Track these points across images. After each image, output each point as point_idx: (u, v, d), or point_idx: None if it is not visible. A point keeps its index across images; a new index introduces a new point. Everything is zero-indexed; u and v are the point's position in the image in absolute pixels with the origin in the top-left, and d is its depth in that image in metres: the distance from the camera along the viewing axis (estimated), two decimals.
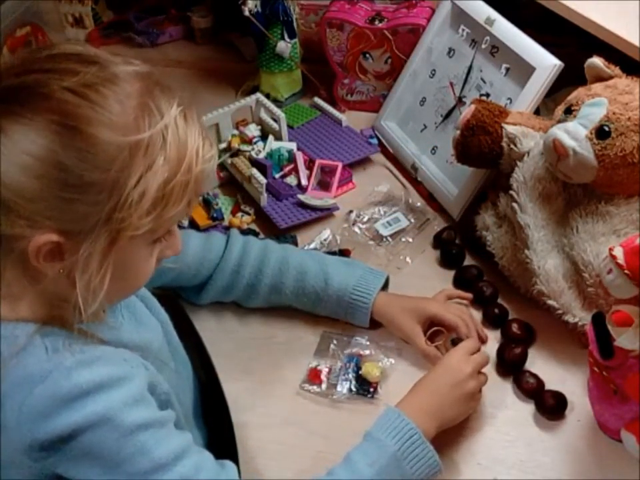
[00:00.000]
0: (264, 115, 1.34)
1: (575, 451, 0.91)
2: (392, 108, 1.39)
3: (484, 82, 1.22)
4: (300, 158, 1.30)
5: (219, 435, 0.96)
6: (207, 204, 1.23)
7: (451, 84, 1.28)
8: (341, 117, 1.41)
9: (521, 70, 1.15)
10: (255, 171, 1.25)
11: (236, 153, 1.31)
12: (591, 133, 0.94)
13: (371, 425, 0.86)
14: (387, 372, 1.00)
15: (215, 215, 1.23)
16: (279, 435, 0.94)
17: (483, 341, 1.01)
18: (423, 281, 1.12)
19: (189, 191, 0.70)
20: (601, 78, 0.99)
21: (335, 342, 1.04)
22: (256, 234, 1.21)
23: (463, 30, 1.27)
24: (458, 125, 1.10)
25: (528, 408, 0.96)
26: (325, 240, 1.19)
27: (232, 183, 1.30)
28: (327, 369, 1.00)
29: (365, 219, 1.23)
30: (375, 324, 1.05)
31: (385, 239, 1.19)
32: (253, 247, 1.06)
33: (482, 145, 1.07)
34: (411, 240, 1.20)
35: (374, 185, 1.30)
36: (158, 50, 1.70)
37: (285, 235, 1.20)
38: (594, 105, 0.95)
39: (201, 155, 0.71)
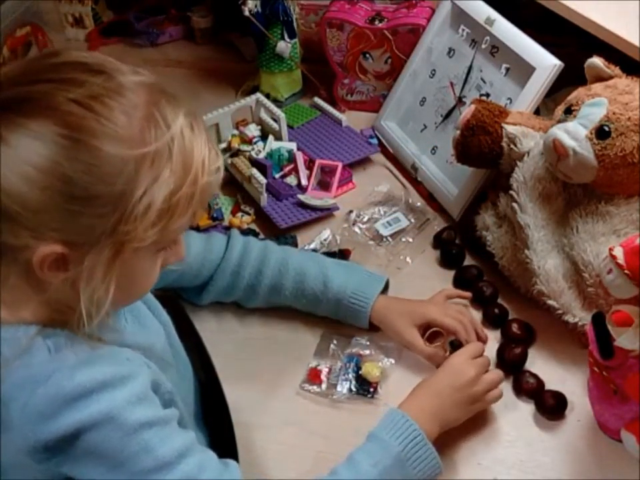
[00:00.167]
0: (264, 115, 1.34)
1: (575, 451, 0.91)
2: (392, 108, 1.39)
3: (484, 82, 1.22)
4: (300, 158, 1.30)
5: (219, 435, 0.96)
6: (207, 204, 1.23)
7: (451, 84, 1.28)
8: (341, 116, 1.41)
9: (521, 70, 1.15)
10: (254, 171, 1.25)
11: (236, 153, 1.31)
12: (591, 133, 0.94)
13: (374, 426, 0.86)
14: (387, 372, 1.00)
15: (215, 215, 1.23)
16: (279, 435, 0.94)
17: (482, 341, 1.01)
18: (423, 281, 1.12)
19: (195, 203, 0.70)
20: (601, 78, 0.99)
21: (335, 342, 1.03)
22: (256, 234, 1.21)
23: (463, 30, 1.27)
24: (458, 124, 1.10)
25: (528, 408, 0.96)
26: (324, 240, 1.19)
27: (232, 183, 1.30)
28: (327, 369, 1.00)
29: (365, 219, 1.23)
30: (375, 325, 1.05)
31: (385, 239, 1.19)
32: (253, 248, 1.06)
33: (482, 145, 1.07)
34: (411, 240, 1.20)
35: (374, 185, 1.30)
36: (158, 50, 1.70)
37: (285, 234, 1.20)
38: (594, 105, 0.95)
39: (207, 165, 0.70)
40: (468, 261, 1.16)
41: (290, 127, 1.38)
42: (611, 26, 1.09)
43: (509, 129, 1.06)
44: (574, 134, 0.94)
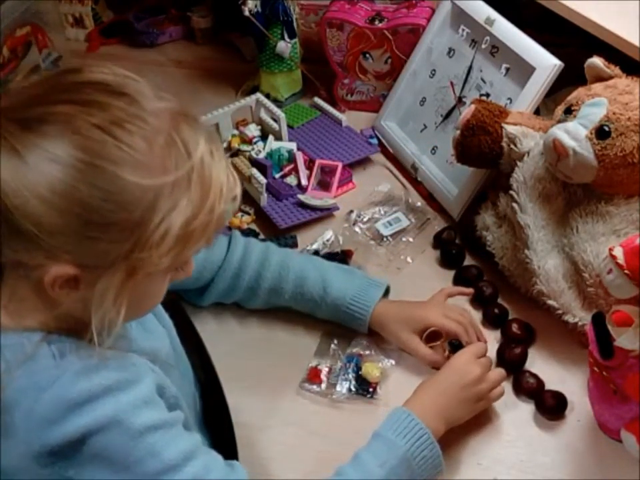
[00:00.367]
0: (264, 115, 1.34)
1: (575, 451, 0.91)
2: (392, 108, 1.39)
3: (484, 82, 1.22)
4: (300, 158, 1.30)
5: (219, 435, 0.95)
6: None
7: (451, 84, 1.28)
8: (341, 116, 1.41)
9: (521, 70, 1.15)
10: (254, 171, 1.25)
11: (236, 153, 1.32)
12: (591, 133, 0.94)
13: (374, 426, 0.86)
14: (387, 372, 1.00)
15: None
16: (278, 435, 0.94)
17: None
18: (423, 281, 1.12)
19: (209, 230, 0.69)
20: (601, 78, 0.99)
21: (335, 342, 1.04)
22: (256, 234, 1.21)
23: (463, 30, 1.27)
24: (458, 124, 1.10)
25: (528, 408, 0.96)
26: (327, 240, 1.19)
27: None
28: (327, 369, 1.00)
29: (366, 219, 1.23)
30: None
31: (385, 239, 1.19)
32: (254, 250, 1.06)
33: (482, 145, 1.07)
34: (411, 240, 1.20)
35: (374, 185, 1.30)
36: (158, 50, 1.70)
37: (285, 235, 1.20)
38: (594, 105, 0.95)
39: (225, 194, 0.69)
40: (468, 261, 1.16)
41: (290, 126, 1.38)
42: (611, 26, 1.09)
43: (509, 129, 1.06)
44: (574, 134, 0.94)
